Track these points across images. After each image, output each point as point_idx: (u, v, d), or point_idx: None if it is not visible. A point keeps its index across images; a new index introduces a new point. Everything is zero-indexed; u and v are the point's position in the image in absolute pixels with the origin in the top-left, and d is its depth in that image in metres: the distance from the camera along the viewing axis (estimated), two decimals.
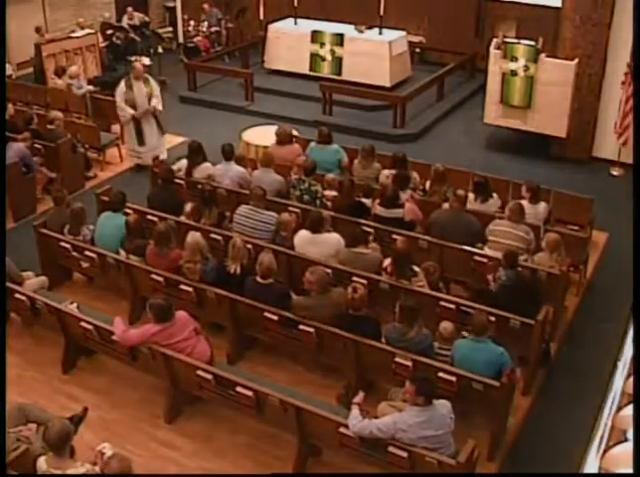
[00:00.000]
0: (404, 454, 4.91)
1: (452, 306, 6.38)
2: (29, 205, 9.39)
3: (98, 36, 14.71)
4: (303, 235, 7.23)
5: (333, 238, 7.20)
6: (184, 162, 8.88)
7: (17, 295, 6.66)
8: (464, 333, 5.91)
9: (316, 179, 8.30)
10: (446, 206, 7.73)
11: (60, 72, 12.42)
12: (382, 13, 13.30)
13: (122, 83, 10.49)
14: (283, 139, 9.20)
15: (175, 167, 8.79)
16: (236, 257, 6.65)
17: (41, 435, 4.89)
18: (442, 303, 6.43)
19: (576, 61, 10.49)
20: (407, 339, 5.78)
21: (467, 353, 5.65)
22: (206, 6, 16.11)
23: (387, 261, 6.93)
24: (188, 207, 7.92)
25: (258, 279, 6.41)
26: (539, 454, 5.78)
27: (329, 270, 6.69)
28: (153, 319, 5.89)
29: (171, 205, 7.99)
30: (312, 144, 9.29)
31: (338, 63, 13.72)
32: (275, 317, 6.23)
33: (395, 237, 7.20)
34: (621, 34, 10.09)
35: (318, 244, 7.13)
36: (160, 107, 10.61)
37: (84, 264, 7.34)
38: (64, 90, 12.00)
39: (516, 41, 10.77)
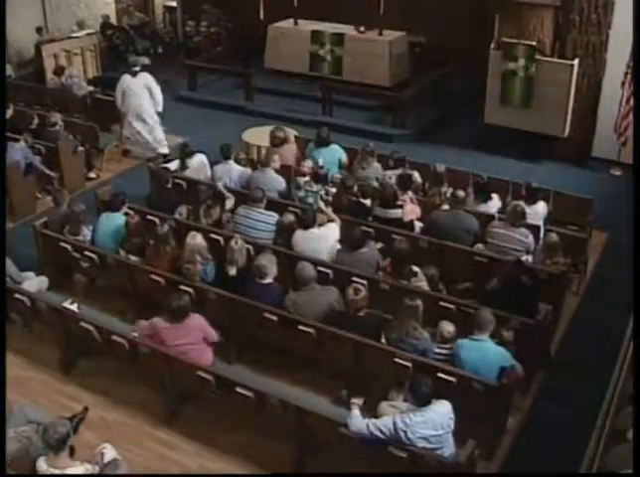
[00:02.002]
0: (404, 454, 4.91)
1: (452, 306, 6.38)
2: (29, 205, 9.39)
3: (98, 36, 14.71)
4: (298, 234, 7.25)
5: (327, 231, 7.23)
6: (175, 163, 8.94)
7: (17, 295, 6.66)
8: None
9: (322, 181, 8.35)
10: (446, 206, 7.74)
11: (59, 71, 12.43)
12: (382, 13, 13.30)
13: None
14: (276, 142, 9.20)
15: (169, 166, 8.88)
16: (233, 260, 6.66)
17: (41, 435, 4.89)
18: (442, 303, 6.43)
19: (576, 61, 10.50)
20: (407, 342, 5.79)
21: (473, 353, 5.64)
22: (206, 6, 16.10)
23: (386, 261, 6.94)
24: (183, 211, 7.93)
25: (257, 279, 6.42)
26: (539, 454, 5.78)
27: (329, 271, 6.71)
28: (164, 316, 5.91)
29: (170, 205, 7.99)
30: (311, 145, 9.29)
31: (338, 63, 13.71)
32: (275, 317, 6.23)
33: (394, 237, 7.20)
34: (621, 34, 10.09)
35: (312, 240, 7.16)
36: None
37: (84, 264, 7.34)
38: (64, 90, 12.01)
39: (516, 41, 10.77)
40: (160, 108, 10.95)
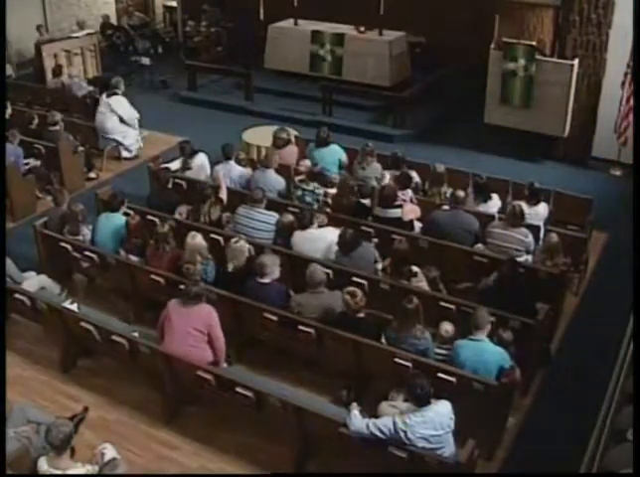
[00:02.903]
0: (404, 454, 4.91)
1: (452, 306, 6.38)
2: (29, 205, 9.39)
3: (98, 36, 14.71)
4: (296, 235, 7.25)
5: (326, 233, 7.24)
6: (176, 163, 8.94)
7: (17, 295, 6.66)
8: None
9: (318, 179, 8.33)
10: (446, 206, 7.74)
11: (57, 71, 12.42)
12: (382, 13, 13.30)
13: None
14: (279, 143, 9.22)
15: (169, 166, 8.87)
16: (232, 257, 6.66)
17: (41, 435, 4.90)
18: (442, 303, 6.43)
19: (576, 61, 10.50)
20: (407, 342, 5.79)
21: (471, 353, 5.64)
22: (206, 6, 16.10)
23: (386, 261, 6.94)
24: (182, 210, 7.93)
25: (258, 279, 6.42)
26: (539, 454, 5.78)
27: (329, 271, 6.70)
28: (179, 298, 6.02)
29: (170, 205, 8.00)
30: (311, 145, 9.29)
31: (338, 63, 13.68)
32: (275, 317, 6.23)
33: (394, 237, 7.20)
34: (621, 34, 10.09)
35: (312, 241, 7.17)
36: None
37: (84, 264, 7.34)
38: (64, 90, 12.00)
39: (516, 41, 10.78)
40: (133, 126, 10.89)
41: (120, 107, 10.70)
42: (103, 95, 10.84)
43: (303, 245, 7.17)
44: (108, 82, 11.21)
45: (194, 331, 5.90)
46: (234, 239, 6.76)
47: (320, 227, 7.33)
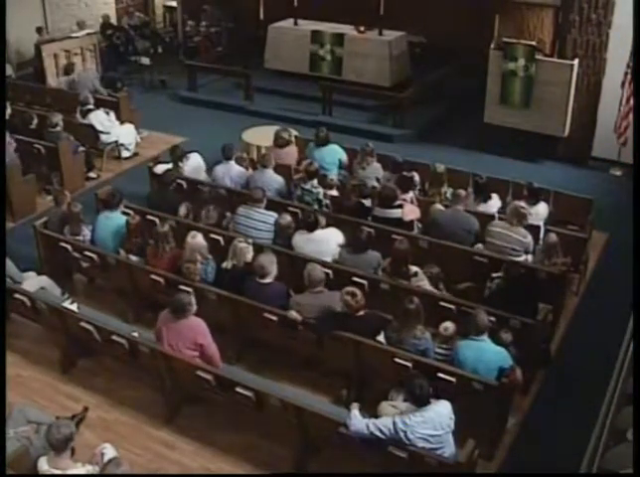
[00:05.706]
0: (404, 454, 4.91)
1: (452, 306, 6.38)
2: (29, 205, 9.39)
3: (98, 36, 14.70)
4: (300, 235, 7.24)
5: (330, 234, 7.23)
6: (169, 166, 8.91)
7: (17, 295, 6.65)
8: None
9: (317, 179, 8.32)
10: (439, 206, 7.74)
11: (69, 70, 12.41)
12: (382, 13, 13.30)
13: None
14: (280, 142, 9.21)
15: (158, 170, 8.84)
16: (232, 256, 6.66)
17: (41, 435, 4.90)
18: (442, 303, 6.43)
19: (576, 61, 10.50)
20: (408, 342, 5.79)
21: (472, 353, 5.64)
22: (206, 6, 16.10)
23: (386, 261, 6.94)
24: (182, 210, 7.93)
25: (258, 279, 6.42)
26: (539, 454, 5.78)
27: (329, 271, 6.70)
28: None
29: (171, 205, 7.99)
30: (311, 145, 9.28)
31: (338, 63, 13.69)
32: (275, 317, 6.23)
33: (394, 237, 7.20)
34: (621, 34, 10.09)
35: (315, 242, 7.15)
36: None
37: (84, 264, 7.34)
38: (66, 91, 12.00)
39: (516, 41, 10.78)
40: (116, 138, 10.86)
41: (99, 123, 10.67)
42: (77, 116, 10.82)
43: (305, 246, 7.16)
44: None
45: (186, 350, 5.82)
46: (240, 239, 6.76)
47: (322, 228, 7.32)
